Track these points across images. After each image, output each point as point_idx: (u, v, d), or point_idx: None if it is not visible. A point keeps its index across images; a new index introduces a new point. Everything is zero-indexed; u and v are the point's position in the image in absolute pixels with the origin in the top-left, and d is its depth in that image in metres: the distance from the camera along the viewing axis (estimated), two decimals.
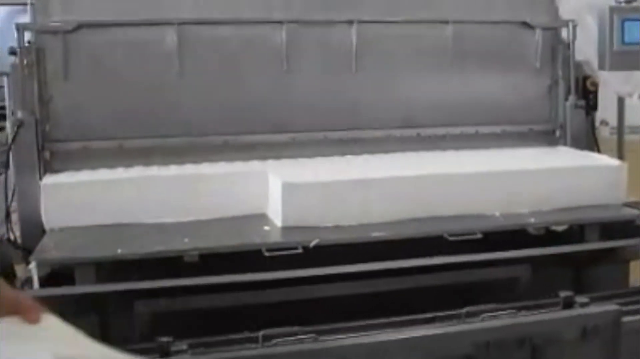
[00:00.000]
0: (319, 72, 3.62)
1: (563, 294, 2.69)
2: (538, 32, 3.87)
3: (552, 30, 3.93)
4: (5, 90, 3.91)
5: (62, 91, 3.32)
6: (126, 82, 3.39)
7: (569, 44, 3.89)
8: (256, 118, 3.54)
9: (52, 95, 3.31)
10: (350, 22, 3.59)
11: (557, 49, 3.92)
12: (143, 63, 3.41)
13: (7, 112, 3.56)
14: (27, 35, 3.28)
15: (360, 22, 3.59)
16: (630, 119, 4.94)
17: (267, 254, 2.78)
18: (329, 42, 3.63)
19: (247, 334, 2.43)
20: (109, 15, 3.36)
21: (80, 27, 3.31)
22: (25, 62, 3.22)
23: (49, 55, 3.30)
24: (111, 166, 3.33)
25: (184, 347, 2.32)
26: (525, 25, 3.87)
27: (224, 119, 3.50)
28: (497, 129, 3.84)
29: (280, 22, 3.51)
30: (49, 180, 3.15)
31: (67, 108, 3.34)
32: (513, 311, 2.64)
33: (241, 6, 3.53)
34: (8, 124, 3.38)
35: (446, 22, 3.72)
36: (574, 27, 3.86)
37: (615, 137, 4.91)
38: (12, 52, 3.24)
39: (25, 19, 3.40)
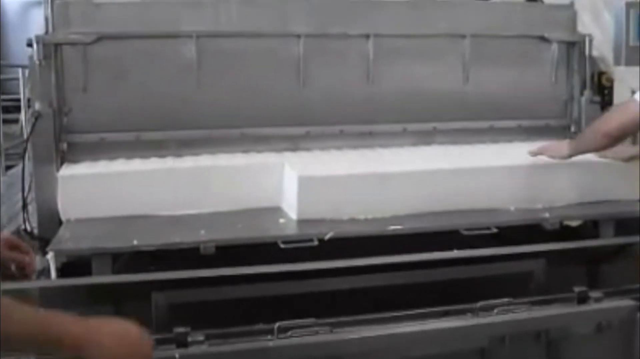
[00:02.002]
0: (336, 84, 3.62)
1: (577, 289, 2.70)
2: (554, 45, 3.87)
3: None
4: (20, 82, 3.92)
5: (82, 104, 3.34)
6: (145, 90, 3.41)
7: (584, 40, 3.89)
8: (272, 111, 3.55)
9: (71, 107, 3.33)
10: (367, 36, 3.60)
11: (573, 55, 3.92)
12: (162, 74, 3.43)
13: (22, 103, 3.58)
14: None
15: (377, 35, 3.60)
16: None
17: (282, 246, 2.80)
18: (346, 55, 3.63)
19: (263, 325, 2.44)
20: (128, 27, 3.38)
21: (100, 39, 3.33)
22: (43, 54, 3.23)
23: (68, 66, 3.32)
24: (128, 158, 3.34)
25: (201, 338, 2.34)
26: (543, 39, 3.86)
27: (240, 112, 3.51)
28: (512, 124, 3.84)
29: (298, 36, 3.52)
30: (66, 171, 3.17)
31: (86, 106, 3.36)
32: (527, 305, 2.64)
33: (259, 19, 3.53)
34: (22, 116, 3.40)
35: (463, 36, 3.72)
36: (591, 41, 3.85)
37: None
38: (30, 44, 3.25)
39: (39, 12, 3.40)
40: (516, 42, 3.86)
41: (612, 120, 3.09)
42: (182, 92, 3.44)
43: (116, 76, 3.38)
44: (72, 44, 3.30)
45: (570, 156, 3.23)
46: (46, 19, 3.34)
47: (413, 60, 3.71)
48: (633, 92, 3.08)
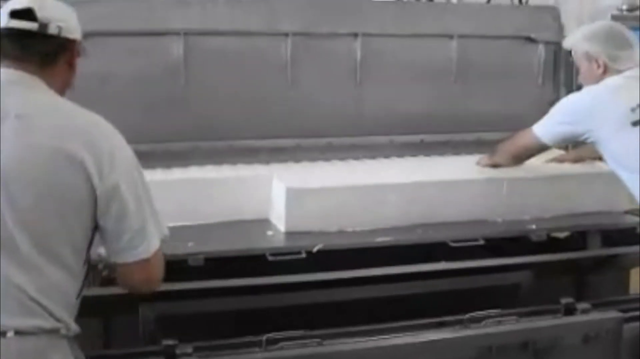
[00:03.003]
0: (323, 83, 3.63)
1: (564, 300, 2.72)
2: (541, 47, 3.91)
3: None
4: None
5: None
6: (132, 90, 3.39)
7: (570, 51, 3.92)
8: (261, 123, 3.55)
9: None
10: (355, 35, 3.61)
11: (560, 57, 3.95)
12: (149, 73, 3.42)
13: None
14: None
15: (365, 34, 3.62)
16: None
17: (271, 259, 2.79)
18: (334, 54, 3.65)
19: (251, 338, 2.45)
20: (116, 25, 3.37)
21: (86, 36, 3.31)
22: None
23: None
24: None
25: (189, 350, 2.35)
26: (529, 40, 3.90)
27: (229, 123, 3.52)
28: (499, 136, 3.85)
29: (286, 34, 3.53)
30: None
31: None
32: (515, 317, 2.66)
33: (247, 17, 3.54)
34: None
35: (451, 37, 3.75)
36: None
37: None
38: None
39: None
40: (504, 45, 3.89)
41: (514, 144, 3.33)
42: (169, 94, 3.43)
43: (103, 78, 3.36)
44: None
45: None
46: None
47: (400, 71, 3.72)
48: None
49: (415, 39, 3.75)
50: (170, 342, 2.33)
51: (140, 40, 3.40)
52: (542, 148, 3.22)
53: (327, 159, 3.61)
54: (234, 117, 3.52)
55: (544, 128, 3.12)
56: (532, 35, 3.90)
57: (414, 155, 3.75)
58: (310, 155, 3.60)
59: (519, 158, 3.34)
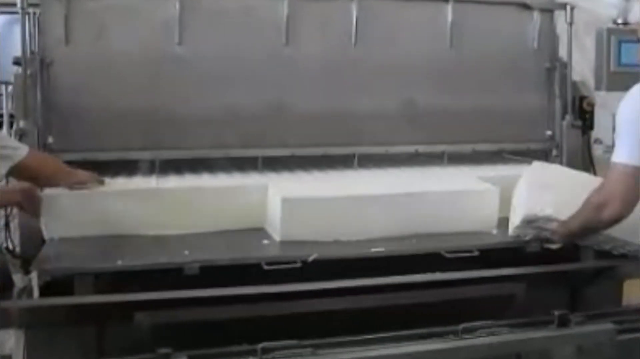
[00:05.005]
0: (319, 47, 3.66)
1: (558, 312, 2.72)
2: (536, 13, 3.92)
3: (550, 47, 4.00)
4: (4, 98, 3.91)
5: (63, 56, 3.35)
6: (126, 52, 3.42)
7: (566, 64, 3.95)
8: (256, 131, 3.57)
9: (52, 60, 3.33)
10: None
11: (555, 67, 3.97)
12: (144, 31, 3.45)
13: (5, 119, 3.56)
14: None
15: None
16: None
17: (266, 268, 2.79)
18: (330, 16, 3.67)
19: (246, 346, 2.45)
20: None
21: None
22: (28, 71, 3.23)
23: (52, 20, 3.33)
24: (111, 177, 3.34)
25: None
26: (524, 7, 3.92)
27: (226, 131, 3.53)
28: (494, 147, 3.88)
29: None
30: (49, 190, 3.15)
31: (70, 116, 3.37)
32: (509, 328, 2.66)
33: None
34: (4, 131, 3.38)
35: (446, 1, 3.76)
36: (572, 8, 3.92)
37: (609, 155, 4.91)
38: (16, 62, 3.25)
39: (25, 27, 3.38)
40: (499, 10, 3.91)
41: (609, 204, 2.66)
42: (163, 56, 3.47)
43: (98, 36, 3.39)
44: None
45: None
46: None
47: (396, 26, 3.75)
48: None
49: (411, 2, 3.77)
50: (164, 350, 2.33)
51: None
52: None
53: (322, 169, 3.62)
54: (230, 119, 3.54)
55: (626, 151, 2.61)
56: (528, 1, 3.92)
57: (412, 166, 3.77)
58: (306, 166, 3.61)
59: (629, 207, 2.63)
